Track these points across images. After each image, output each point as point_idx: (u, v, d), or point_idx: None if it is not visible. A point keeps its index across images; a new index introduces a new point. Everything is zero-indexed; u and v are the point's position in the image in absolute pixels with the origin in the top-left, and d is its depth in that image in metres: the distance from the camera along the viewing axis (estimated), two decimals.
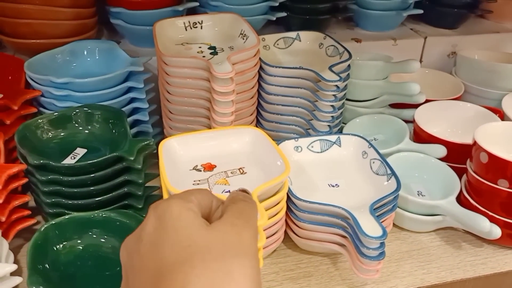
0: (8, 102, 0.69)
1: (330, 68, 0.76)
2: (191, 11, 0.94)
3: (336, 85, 0.75)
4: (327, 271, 0.66)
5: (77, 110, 0.72)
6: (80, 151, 0.70)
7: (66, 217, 0.61)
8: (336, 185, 0.69)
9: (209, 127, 0.76)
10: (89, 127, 0.72)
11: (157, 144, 0.84)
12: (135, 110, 0.79)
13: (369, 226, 0.58)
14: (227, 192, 0.62)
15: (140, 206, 0.67)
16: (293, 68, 0.77)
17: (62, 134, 0.72)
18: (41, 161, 0.61)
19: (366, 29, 1.06)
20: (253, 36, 0.77)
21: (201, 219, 0.32)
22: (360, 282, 0.64)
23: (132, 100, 0.79)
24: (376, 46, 1.01)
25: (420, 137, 0.82)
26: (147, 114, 0.79)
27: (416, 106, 0.89)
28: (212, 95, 0.70)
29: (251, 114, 0.82)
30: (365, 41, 1.01)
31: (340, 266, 0.67)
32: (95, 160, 0.62)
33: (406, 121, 0.88)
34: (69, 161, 0.68)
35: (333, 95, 0.75)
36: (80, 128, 0.72)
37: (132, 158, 0.63)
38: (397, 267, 0.67)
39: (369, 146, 0.73)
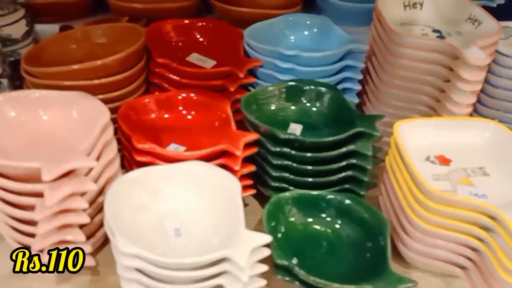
0: (235, 69, 0.68)
1: None
2: None
3: None
4: None
5: (309, 86, 0.69)
6: (296, 127, 0.68)
7: (301, 191, 0.59)
8: None
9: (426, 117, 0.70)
10: (311, 103, 0.69)
11: None
12: (343, 91, 0.75)
13: None
14: (474, 195, 0.56)
15: (362, 193, 0.63)
16: None
17: (280, 106, 0.69)
18: (289, 136, 0.60)
19: None
20: (490, 22, 0.70)
21: None
22: None
23: (343, 80, 0.75)
24: None
25: None
26: (356, 96, 0.75)
27: None
28: (455, 83, 0.63)
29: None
30: None
31: None
32: (339, 137, 0.59)
33: None
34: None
35: None
36: (307, 103, 0.70)
37: (379, 135, 0.60)
38: None
39: None
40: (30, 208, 0.53)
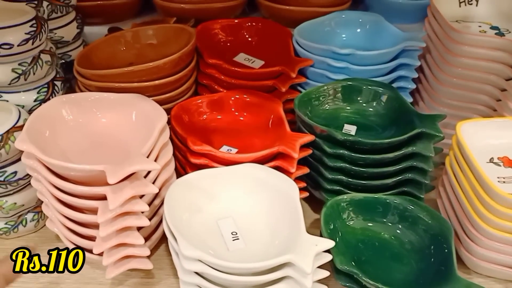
0: (286, 69, 0.67)
1: None
2: None
3: None
4: None
5: (367, 86, 0.68)
6: (351, 128, 0.66)
7: (360, 194, 0.58)
8: None
9: (485, 117, 0.68)
10: (367, 104, 0.68)
11: None
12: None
13: None
14: None
15: (421, 196, 0.61)
16: None
17: (334, 106, 0.68)
18: (348, 137, 0.58)
19: None
20: None
21: None
22: None
23: (396, 78, 0.72)
24: None
25: None
26: (409, 95, 0.73)
27: None
28: None
29: None
30: None
31: None
32: (401, 137, 0.57)
33: None
34: None
35: None
36: (363, 103, 0.68)
37: (442, 135, 0.58)
38: None
39: None
40: (88, 210, 0.53)
